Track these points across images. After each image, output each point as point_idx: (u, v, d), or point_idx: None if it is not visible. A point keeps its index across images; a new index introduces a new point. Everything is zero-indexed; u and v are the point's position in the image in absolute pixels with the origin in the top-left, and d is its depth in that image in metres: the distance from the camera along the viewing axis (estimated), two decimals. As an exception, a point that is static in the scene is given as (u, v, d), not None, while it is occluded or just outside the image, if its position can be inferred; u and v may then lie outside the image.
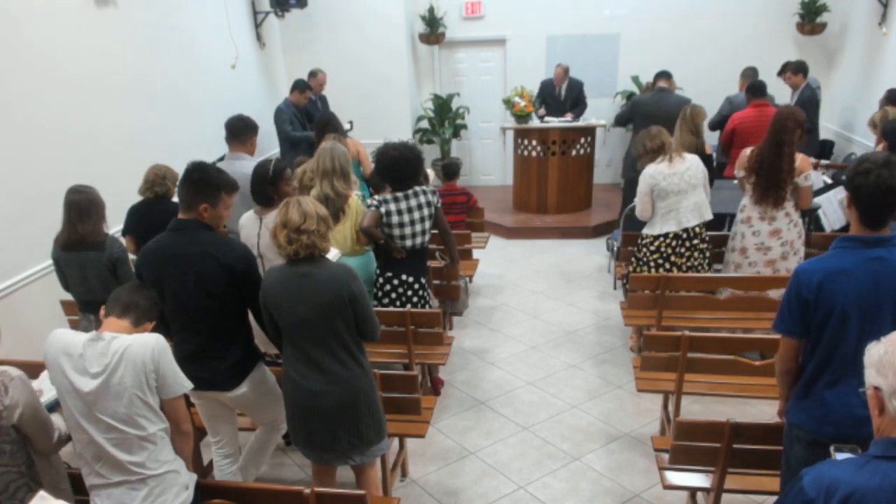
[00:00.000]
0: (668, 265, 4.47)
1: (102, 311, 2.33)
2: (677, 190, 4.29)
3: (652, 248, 4.47)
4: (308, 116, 6.83)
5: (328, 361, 2.61)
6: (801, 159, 4.07)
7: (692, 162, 4.33)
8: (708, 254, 4.53)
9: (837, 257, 2.21)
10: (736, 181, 5.35)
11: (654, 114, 5.74)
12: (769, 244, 4.23)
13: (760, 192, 4.15)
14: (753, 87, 5.66)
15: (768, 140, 4.07)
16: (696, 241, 4.42)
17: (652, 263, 4.51)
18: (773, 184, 4.08)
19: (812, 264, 2.24)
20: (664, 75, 6.26)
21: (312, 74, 7.09)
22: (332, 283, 2.54)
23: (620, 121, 6.89)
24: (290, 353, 2.67)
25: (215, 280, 2.69)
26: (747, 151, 4.20)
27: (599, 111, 8.10)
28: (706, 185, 4.39)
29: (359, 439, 2.72)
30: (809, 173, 4.10)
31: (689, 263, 4.46)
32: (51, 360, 2.16)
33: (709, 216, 4.41)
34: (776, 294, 3.98)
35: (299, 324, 2.57)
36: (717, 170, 5.70)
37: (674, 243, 4.42)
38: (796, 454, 2.32)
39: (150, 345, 2.17)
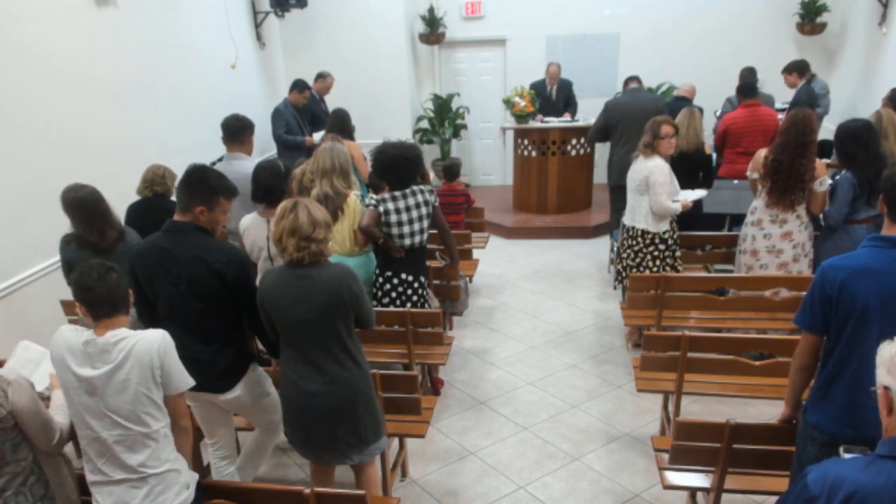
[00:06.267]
0: (624, 256, 4.67)
1: (80, 308, 2.20)
2: (628, 188, 4.54)
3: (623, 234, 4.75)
4: (311, 116, 6.79)
5: (326, 362, 2.61)
6: (818, 164, 3.99)
7: (647, 169, 4.31)
8: (679, 259, 4.55)
9: (865, 255, 2.16)
10: (736, 181, 5.33)
11: (632, 111, 5.96)
12: (780, 247, 4.17)
13: (777, 195, 4.06)
14: (744, 88, 5.66)
15: (787, 142, 3.95)
16: (643, 243, 4.50)
17: (623, 254, 4.70)
18: (790, 187, 4.00)
19: (838, 261, 2.19)
20: (634, 79, 6.48)
21: (322, 77, 7.05)
22: (332, 283, 2.54)
23: (597, 135, 6.37)
24: (288, 355, 2.67)
25: (206, 284, 2.67)
26: (762, 153, 4.12)
27: (599, 111, 8.07)
28: (654, 198, 4.29)
29: (357, 439, 2.71)
30: (825, 178, 4.00)
31: (633, 262, 4.57)
32: (56, 357, 2.18)
33: (642, 226, 4.46)
34: (787, 294, 3.96)
35: (298, 325, 2.57)
36: (716, 170, 5.70)
37: (629, 240, 4.60)
38: (808, 454, 2.29)
39: (157, 341, 2.19)
